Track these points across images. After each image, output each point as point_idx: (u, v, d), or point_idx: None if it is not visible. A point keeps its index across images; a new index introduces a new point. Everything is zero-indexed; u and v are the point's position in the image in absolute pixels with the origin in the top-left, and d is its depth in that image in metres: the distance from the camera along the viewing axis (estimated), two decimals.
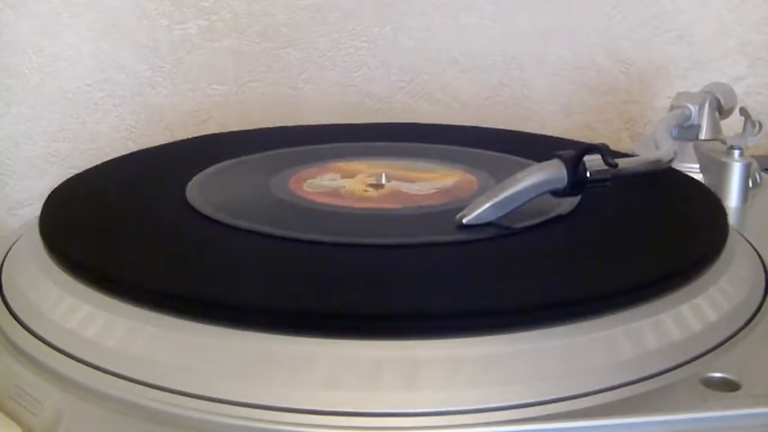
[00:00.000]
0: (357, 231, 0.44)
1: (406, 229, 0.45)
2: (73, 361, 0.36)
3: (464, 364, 0.34)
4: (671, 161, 0.52)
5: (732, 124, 0.62)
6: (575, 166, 0.44)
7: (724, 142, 0.57)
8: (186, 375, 0.34)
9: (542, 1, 0.79)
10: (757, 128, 0.57)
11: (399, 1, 0.77)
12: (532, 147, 0.57)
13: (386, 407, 0.33)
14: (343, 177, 0.52)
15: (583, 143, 0.49)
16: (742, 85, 0.79)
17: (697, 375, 0.35)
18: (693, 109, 0.61)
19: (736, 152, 0.56)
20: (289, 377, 0.33)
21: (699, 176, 0.58)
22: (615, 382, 0.34)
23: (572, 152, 0.44)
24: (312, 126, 0.67)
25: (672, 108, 0.62)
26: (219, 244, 0.42)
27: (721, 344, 0.38)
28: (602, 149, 0.44)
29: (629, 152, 0.56)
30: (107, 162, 0.56)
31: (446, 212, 0.45)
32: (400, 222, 0.46)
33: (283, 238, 0.42)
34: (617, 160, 0.45)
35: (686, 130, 0.62)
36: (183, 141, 0.62)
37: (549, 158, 0.45)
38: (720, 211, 0.47)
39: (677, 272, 0.40)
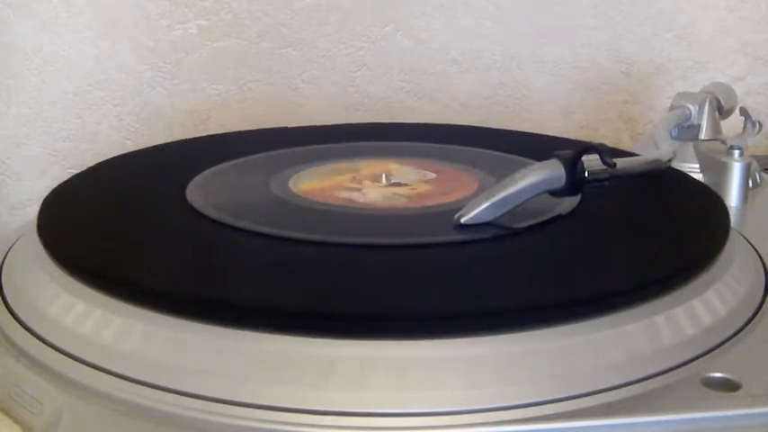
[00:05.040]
0: (356, 231, 0.44)
1: (405, 228, 0.45)
2: (73, 361, 0.36)
3: (463, 364, 0.34)
4: (670, 161, 0.52)
5: (732, 124, 0.62)
6: (573, 165, 0.44)
7: (724, 142, 0.57)
8: (186, 375, 0.34)
9: (542, 1, 0.79)
10: (757, 128, 0.57)
11: (399, 1, 0.77)
12: (532, 146, 0.57)
13: (385, 407, 0.33)
14: (342, 177, 0.52)
15: (582, 143, 0.50)
16: (742, 85, 0.79)
17: (697, 375, 0.35)
18: (693, 109, 0.61)
19: (736, 152, 0.56)
20: (288, 377, 0.33)
21: (699, 176, 0.58)
22: (615, 382, 0.34)
23: (570, 152, 0.44)
24: (312, 126, 0.67)
25: (672, 108, 0.62)
26: (219, 244, 0.42)
27: (721, 344, 0.38)
28: (600, 149, 0.44)
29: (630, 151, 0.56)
30: (106, 161, 0.56)
31: (445, 212, 0.45)
32: (399, 222, 0.46)
33: (283, 239, 0.42)
34: (616, 160, 0.45)
35: (686, 130, 0.62)
36: (183, 141, 0.62)
37: (547, 158, 0.45)
38: (721, 211, 0.47)
39: (677, 272, 0.40)
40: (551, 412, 0.33)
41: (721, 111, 0.62)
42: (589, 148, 0.45)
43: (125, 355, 0.35)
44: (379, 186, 0.50)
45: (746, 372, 0.35)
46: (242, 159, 0.56)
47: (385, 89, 0.78)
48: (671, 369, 0.35)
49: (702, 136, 0.61)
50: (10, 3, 0.69)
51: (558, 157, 0.44)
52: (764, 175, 0.61)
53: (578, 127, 0.81)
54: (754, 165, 0.59)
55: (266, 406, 0.33)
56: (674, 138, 0.59)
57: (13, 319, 0.40)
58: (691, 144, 0.61)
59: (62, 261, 0.41)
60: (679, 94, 0.63)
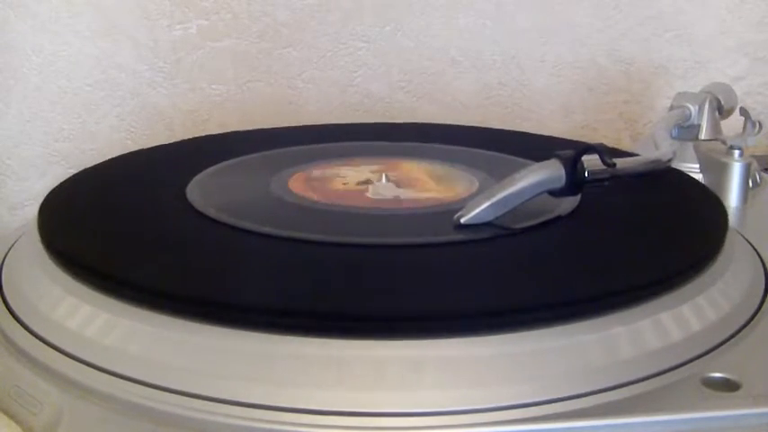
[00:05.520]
0: (356, 231, 0.44)
1: (405, 229, 0.45)
2: (73, 361, 0.36)
3: (464, 364, 0.34)
4: (670, 161, 0.52)
5: (732, 124, 0.62)
6: (573, 165, 0.44)
7: (724, 142, 0.57)
8: (186, 375, 0.34)
9: (542, 1, 0.79)
10: (757, 128, 0.57)
11: (399, 1, 0.77)
12: (532, 147, 0.57)
13: (385, 407, 0.33)
14: (342, 177, 0.52)
15: (582, 143, 0.50)
16: (742, 85, 0.79)
17: (697, 375, 0.35)
18: (693, 109, 0.61)
19: (736, 152, 0.56)
20: (288, 377, 0.33)
21: (699, 176, 0.58)
22: (615, 382, 0.34)
23: (570, 152, 0.44)
24: (312, 126, 0.67)
25: (672, 108, 0.62)
26: (219, 244, 0.42)
27: (721, 344, 0.38)
28: (599, 149, 0.44)
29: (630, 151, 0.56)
30: (106, 162, 0.56)
31: (445, 212, 0.45)
32: (399, 222, 0.46)
33: (283, 239, 0.42)
34: (616, 160, 0.45)
35: (686, 130, 0.62)
36: (183, 141, 0.62)
37: (547, 158, 0.45)
38: (720, 211, 0.47)
39: (677, 272, 0.40)
40: (551, 412, 0.33)
41: (721, 111, 0.62)
42: (589, 148, 0.45)
43: (125, 355, 0.35)
44: (380, 186, 0.50)
45: (746, 372, 0.35)
46: (242, 159, 0.56)
47: (385, 89, 0.78)
48: (671, 369, 0.35)
49: (702, 136, 0.61)
50: (10, 3, 0.69)
51: (558, 157, 0.44)
52: (764, 174, 0.61)
53: (578, 127, 0.81)
54: (754, 165, 0.59)
55: (266, 406, 0.33)
56: (674, 138, 0.59)
57: (13, 319, 0.40)
58: (691, 144, 0.61)
59: (62, 261, 0.41)
60: (679, 94, 0.63)
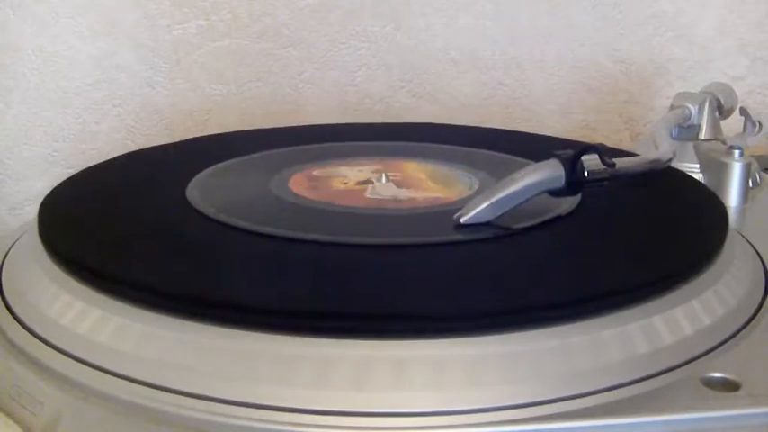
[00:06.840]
0: (355, 231, 0.44)
1: (405, 228, 0.45)
2: (73, 361, 0.36)
3: (463, 364, 0.34)
4: (669, 161, 0.52)
5: (732, 124, 0.62)
6: (572, 165, 0.44)
7: (724, 142, 0.57)
8: (186, 375, 0.34)
9: (542, 1, 0.79)
10: (757, 128, 0.57)
11: (399, 1, 0.77)
12: (532, 147, 0.57)
13: (384, 407, 0.33)
14: (342, 177, 0.52)
15: (582, 143, 0.50)
16: (742, 85, 0.79)
17: (697, 375, 0.35)
18: (693, 109, 0.61)
19: (736, 152, 0.56)
20: (288, 377, 0.33)
21: (699, 176, 0.58)
22: (615, 382, 0.34)
23: (570, 152, 0.45)
24: (312, 126, 0.67)
25: (672, 108, 0.62)
26: (219, 244, 0.42)
27: (721, 344, 0.38)
28: (599, 149, 0.44)
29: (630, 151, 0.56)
30: (106, 162, 0.56)
31: (445, 212, 0.45)
32: (399, 222, 0.46)
33: (283, 239, 0.42)
34: (615, 160, 0.45)
35: (686, 130, 0.62)
36: (182, 141, 0.62)
37: (547, 158, 0.45)
38: (720, 211, 0.47)
39: (677, 272, 0.40)
40: (551, 412, 0.33)
41: (721, 111, 0.62)
42: (588, 148, 0.45)
43: (124, 354, 0.35)
44: (380, 186, 0.50)
45: (746, 372, 0.35)
46: (242, 159, 0.56)
47: (385, 89, 0.78)
48: (671, 369, 0.35)
49: (702, 136, 0.61)
50: (10, 3, 0.69)
51: (558, 157, 0.44)
52: (764, 174, 0.61)
53: (578, 127, 0.81)
54: (754, 165, 0.59)
55: (266, 406, 0.33)
56: (674, 138, 0.59)
57: (13, 319, 0.40)
58: (691, 144, 0.61)
59: (62, 261, 0.41)
60: (679, 94, 0.63)
